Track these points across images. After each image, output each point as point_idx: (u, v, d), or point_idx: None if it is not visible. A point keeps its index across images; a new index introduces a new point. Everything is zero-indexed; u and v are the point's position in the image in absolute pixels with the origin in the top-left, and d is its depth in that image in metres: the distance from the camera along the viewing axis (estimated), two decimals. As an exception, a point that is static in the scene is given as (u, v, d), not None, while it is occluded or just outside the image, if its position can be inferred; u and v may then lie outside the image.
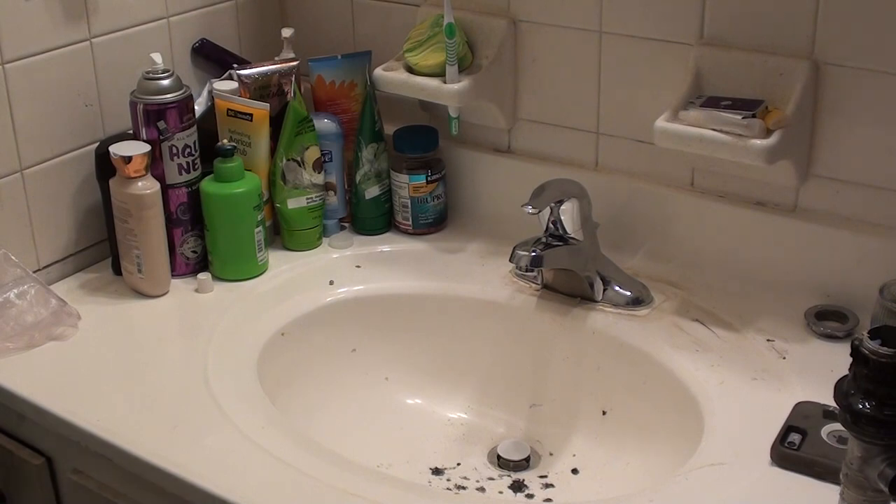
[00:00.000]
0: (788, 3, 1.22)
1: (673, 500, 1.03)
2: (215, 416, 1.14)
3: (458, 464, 1.27)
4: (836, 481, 0.93)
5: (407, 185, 1.47)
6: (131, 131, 1.37)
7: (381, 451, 1.27)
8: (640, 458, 1.22)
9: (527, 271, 1.35)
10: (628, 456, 1.23)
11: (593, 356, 1.29)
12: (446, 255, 1.46)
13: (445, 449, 1.30)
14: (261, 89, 1.46)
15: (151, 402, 1.17)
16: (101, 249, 1.44)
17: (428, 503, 1.06)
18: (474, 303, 1.37)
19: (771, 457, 1.04)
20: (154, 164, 1.34)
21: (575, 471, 1.25)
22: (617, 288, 1.32)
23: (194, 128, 1.37)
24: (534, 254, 1.24)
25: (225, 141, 1.40)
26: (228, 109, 1.41)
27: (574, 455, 1.27)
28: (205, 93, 1.49)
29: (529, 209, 1.23)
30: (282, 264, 1.43)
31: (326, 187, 1.47)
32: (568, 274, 1.32)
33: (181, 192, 1.37)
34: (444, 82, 1.37)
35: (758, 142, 1.18)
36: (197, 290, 1.37)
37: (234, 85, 1.43)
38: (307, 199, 1.45)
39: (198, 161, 1.38)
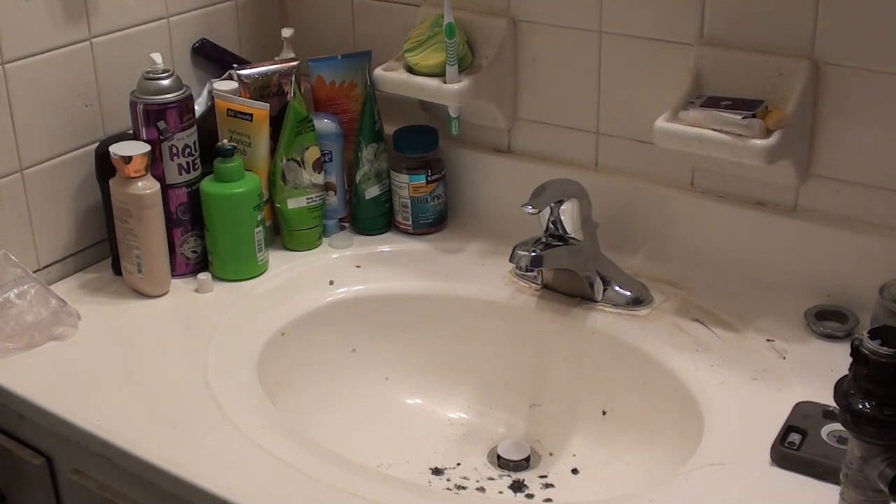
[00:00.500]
0: (788, 3, 1.22)
1: (673, 500, 1.03)
2: (215, 416, 1.14)
3: (458, 464, 1.27)
4: (836, 481, 0.93)
5: (407, 185, 1.47)
6: (131, 131, 1.37)
7: (381, 451, 1.27)
8: (640, 458, 1.22)
9: (527, 271, 1.35)
10: (628, 456, 1.23)
11: (593, 356, 1.29)
12: (446, 255, 1.46)
13: (445, 449, 1.30)
14: (261, 89, 1.46)
15: (151, 402, 1.17)
16: (101, 249, 1.44)
17: (428, 503, 1.06)
18: (474, 303, 1.37)
19: (771, 457, 1.04)
20: (154, 164, 1.34)
21: (575, 471, 1.25)
22: (617, 288, 1.32)
23: (194, 128, 1.37)
24: (534, 254, 1.24)
25: (225, 141, 1.40)
26: (228, 109, 1.41)
27: (574, 455, 1.27)
28: (205, 93, 1.49)
29: (529, 209, 1.23)
30: (282, 264, 1.43)
31: (326, 187, 1.47)
32: (568, 274, 1.32)
33: (181, 192, 1.37)
34: (444, 82, 1.37)
35: (758, 142, 1.18)
36: (197, 290, 1.37)
37: (234, 85, 1.43)
38: (307, 199, 1.45)
39: (198, 161, 1.38)
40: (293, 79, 1.47)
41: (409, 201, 1.48)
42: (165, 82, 1.34)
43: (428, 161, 1.48)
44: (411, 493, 1.07)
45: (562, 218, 1.27)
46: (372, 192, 1.48)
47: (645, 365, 1.24)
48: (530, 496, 1.21)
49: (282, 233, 1.47)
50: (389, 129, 1.50)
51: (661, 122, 1.23)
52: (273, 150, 1.44)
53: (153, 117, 1.34)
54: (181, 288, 1.38)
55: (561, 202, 1.27)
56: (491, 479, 1.25)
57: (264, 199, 1.41)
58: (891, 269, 1.20)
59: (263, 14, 1.61)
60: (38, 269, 1.38)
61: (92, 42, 1.38)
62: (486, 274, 1.40)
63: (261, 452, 1.08)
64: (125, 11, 1.41)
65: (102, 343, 1.28)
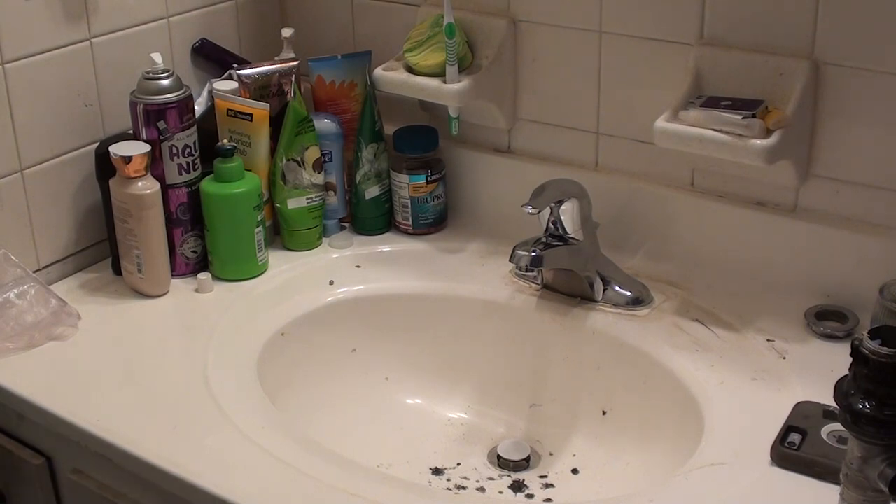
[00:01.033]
0: (788, 3, 1.22)
1: (673, 500, 1.03)
2: (215, 416, 1.14)
3: (458, 464, 1.27)
4: (836, 481, 0.93)
5: (407, 185, 1.47)
6: (131, 131, 1.37)
7: (381, 451, 1.27)
8: (640, 458, 1.22)
9: (527, 271, 1.35)
10: (628, 456, 1.23)
11: (593, 356, 1.29)
12: (446, 255, 1.46)
13: (445, 449, 1.30)
14: (261, 89, 1.46)
15: (151, 402, 1.17)
16: (101, 249, 1.44)
17: (428, 503, 1.06)
18: (474, 303, 1.37)
19: (771, 457, 1.04)
20: (154, 164, 1.34)
21: (575, 471, 1.25)
22: (617, 288, 1.32)
23: (194, 128, 1.37)
24: (534, 254, 1.24)
25: (225, 141, 1.40)
26: (228, 109, 1.41)
27: (574, 455, 1.27)
28: (205, 93, 1.49)
29: (529, 209, 1.23)
30: (282, 264, 1.43)
31: (326, 187, 1.47)
32: (568, 274, 1.32)
33: (181, 192, 1.37)
34: (444, 82, 1.37)
35: (758, 142, 1.18)
36: (197, 290, 1.37)
37: (234, 85, 1.43)
38: (307, 199, 1.45)
39: (198, 161, 1.38)
40: (293, 79, 1.47)
41: (409, 201, 1.48)
42: (165, 82, 1.34)
43: (428, 161, 1.48)
44: (411, 493, 1.07)
45: (562, 218, 1.27)
46: (372, 192, 1.48)
47: (645, 365, 1.24)
48: (530, 496, 1.21)
49: (282, 233, 1.47)
50: (389, 129, 1.50)
51: (661, 122, 1.23)
52: (273, 150, 1.44)
53: (153, 117, 1.34)
54: (181, 288, 1.38)
55: (561, 202, 1.27)
56: (491, 479, 1.25)
57: (264, 199, 1.41)
58: (891, 269, 1.20)
59: (263, 14, 1.61)
60: (38, 269, 1.38)
61: (92, 42, 1.38)
62: (486, 274, 1.40)
63: (261, 452, 1.08)
64: (125, 11, 1.41)
65: (102, 343, 1.28)
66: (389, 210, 1.51)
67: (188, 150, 1.36)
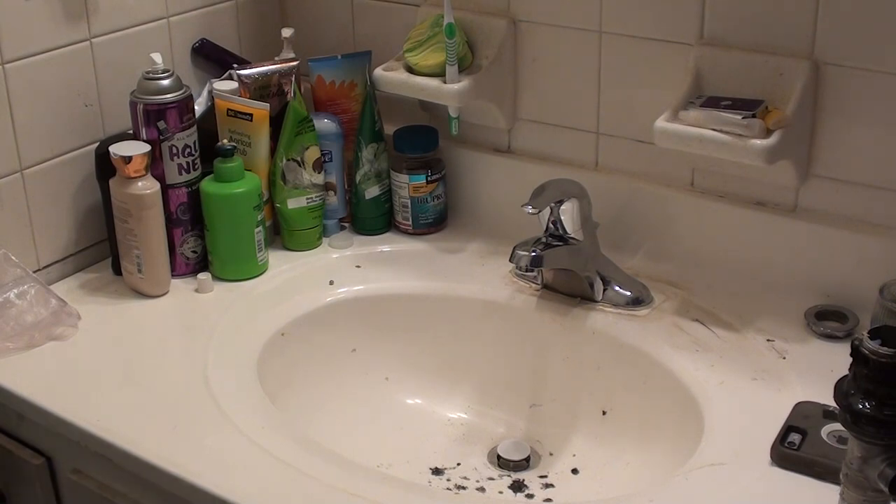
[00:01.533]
0: (788, 3, 1.22)
1: (673, 500, 1.03)
2: (215, 416, 1.14)
3: (458, 464, 1.27)
4: (836, 481, 0.93)
5: (407, 185, 1.47)
6: (131, 131, 1.37)
7: (381, 451, 1.27)
8: (640, 458, 1.22)
9: (527, 271, 1.35)
10: (628, 456, 1.23)
11: (593, 356, 1.29)
12: (446, 255, 1.46)
13: (445, 449, 1.30)
14: (261, 89, 1.46)
15: (151, 401, 1.17)
16: (101, 249, 1.44)
17: (428, 503, 1.06)
18: (474, 303, 1.37)
19: (771, 457, 1.04)
20: (154, 164, 1.34)
21: (575, 471, 1.25)
22: (617, 288, 1.32)
23: (194, 128, 1.37)
24: (534, 254, 1.24)
25: (225, 141, 1.40)
26: (228, 109, 1.41)
27: (574, 455, 1.27)
28: (205, 93, 1.49)
29: (529, 209, 1.23)
30: (282, 264, 1.43)
31: (326, 187, 1.47)
32: (568, 274, 1.32)
33: (181, 192, 1.37)
34: (444, 82, 1.37)
35: (758, 142, 1.18)
36: (197, 290, 1.37)
37: (234, 85, 1.43)
38: (307, 199, 1.45)
39: (198, 161, 1.38)
40: (293, 79, 1.47)
41: (409, 201, 1.48)
42: (165, 82, 1.34)
43: (428, 161, 1.48)
44: (411, 493, 1.07)
45: (562, 218, 1.27)
46: (372, 192, 1.48)
47: (645, 365, 1.24)
48: (530, 496, 1.21)
49: (282, 233, 1.47)
50: (389, 129, 1.50)
51: (661, 122, 1.23)
52: (273, 150, 1.44)
53: (153, 117, 1.34)
54: (181, 288, 1.38)
55: (561, 202, 1.27)
56: (491, 479, 1.25)
57: (264, 199, 1.41)
58: (891, 269, 1.20)
59: (263, 14, 1.61)
60: (38, 269, 1.38)
61: (92, 42, 1.38)
62: (486, 274, 1.40)
63: (261, 452, 1.08)
64: (125, 11, 1.41)
65: (102, 343, 1.28)
66: (389, 210, 1.51)
67: (188, 150, 1.36)
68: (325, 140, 1.46)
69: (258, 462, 1.07)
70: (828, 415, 1.06)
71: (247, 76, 1.45)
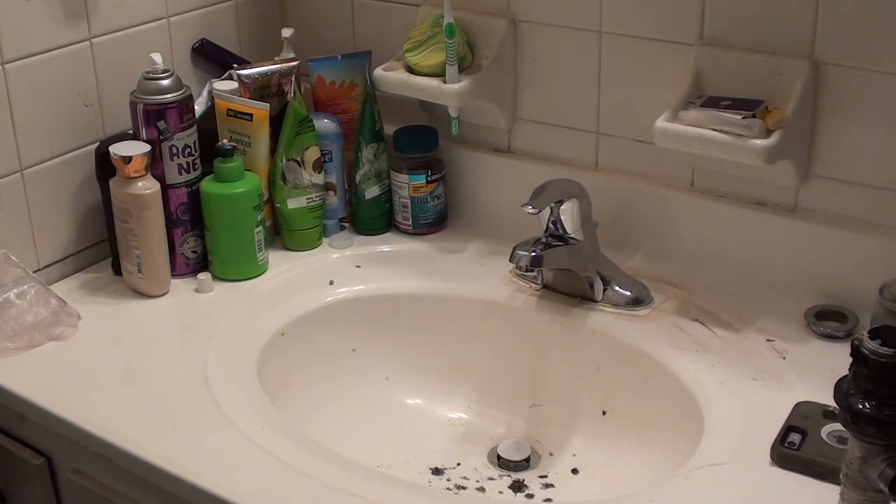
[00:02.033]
0: (788, 3, 1.22)
1: (673, 500, 1.03)
2: (215, 416, 1.14)
3: (458, 464, 1.27)
4: (836, 481, 0.93)
5: (407, 185, 1.47)
6: (131, 131, 1.37)
7: (381, 451, 1.27)
8: (640, 458, 1.22)
9: (527, 271, 1.35)
10: (628, 456, 1.23)
11: (593, 356, 1.29)
12: (446, 255, 1.46)
13: (445, 449, 1.30)
14: (261, 89, 1.46)
15: (151, 401, 1.17)
16: (101, 249, 1.44)
17: (428, 503, 1.06)
18: (474, 303, 1.37)
19: (771, 457, 1.04)
20: (154, 164, 1.34)
21: (575, 471, 1.25)
22: (617, 288, 1.32)
23: (194, 128, 1.37)
24: (534, 254, 1.24)
25: (225, 141, 1.40)
26: (228, 109, 1.41)
27: (574, 455, 1.27)
28: (205, 93, 1.49)
29: (529, 209, 1.23)
30: (282, 264, 1.43)
31: (326, 187, 1.47)
32: (568, 274, 1.32)
33: (181, 192, 1.37)
34: (444, 82, 1.37)
35: (758, 142, 1.18)
36: (197, 290, 1.37)
37: (234, 85, 1.43)
38: (307, 199, 1.45)
39: (198, 161, 1.38)
40: (293, 79, 1.47)
41: (409, 201, 1.48)
42: (165, 82, 1.34)
43: (428, 161, 1.48)
44: (411, 493, 1.07)
45: (562, 218, 1.27)
46: (372, 192, 1.48)
47: (645, 365, 1.24)
48: (530, 496, 1.21)
49: (282, 233, 1.47)
50: (389, 129, 1.50)
51: (661, 122, 1.23)
52: (273, 150, 1.44)
53: (153, 117, 1.34)
54: (181, 288, 1.38)
55: (561, 202, 1.27)
56: (491, 479, 1.25)
57: (264, 199, 1.41)
58: (891, 269, 1.20)
59: (263, 14, 1.61)
60: (38, 269, 1.38)
61: (92, 42, 1.38)
62: (486, 274, 1.40)
63: (261, 452, 1.08)
64: (125, 11, 1.41)
65: (102, 343, 1.28)
66: (389, 210, 1.51)
67: (188, 150, 1.36)
68: (325, 140, 1.46)
69: (258, 462, 1.07)
70: (828, 415, 1.06)
71: (247, 76, 1.45)
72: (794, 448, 1.04)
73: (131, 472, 1.11)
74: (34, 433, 1.24)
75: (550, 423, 1.31)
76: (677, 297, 1.32)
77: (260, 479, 1.05)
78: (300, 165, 1.44)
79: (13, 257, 1.31)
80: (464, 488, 1.23)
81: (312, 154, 1.44)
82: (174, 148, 1.35)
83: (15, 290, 1.28)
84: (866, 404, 0.86)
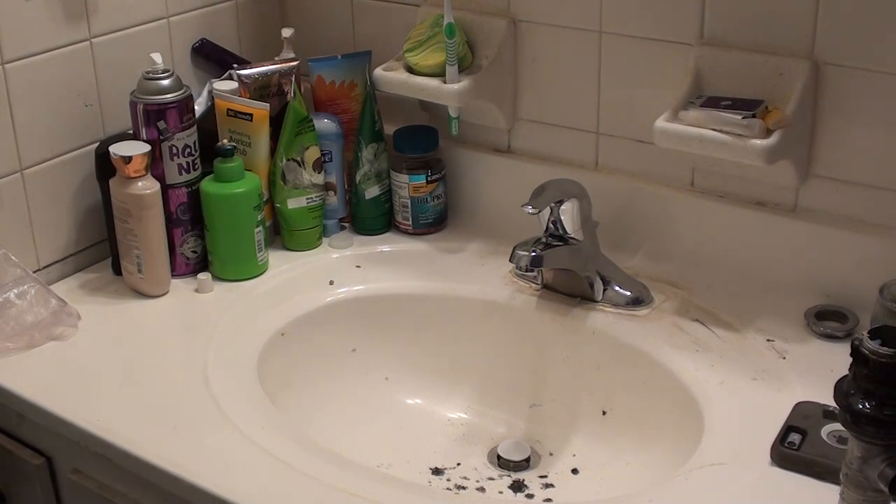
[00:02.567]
0: (788, 3, 1.22)
1: (673, 500, 1.03)
2: (215, 416, 1.14)
3: (458, 464, 1.27)
4: (836, 481, 0.93)
5: (407, 185, 1.47)
6: (131, 131, 1.37)
7: (381, 451, 1.27)
8: (640, 458, 1.22)
9: (527, 271, 1.35)
10: (628, 456, 1.23)
11: (593, 356, 1.29)
12: (446, 255, 1.46)
13: (445, 449, 1.30)
14: (261, 89, 1.46)
15: (151, 401, 1.17)
16: (101, 249, 1.44)
17: (428, 503, 1.06)
18: (474, 303, 1.37)
19: (771, 457, 1.04)
20: (154, 164, 1.34)
21: (575, 471, 1.25)
22: (617, 288, 1.32)
23: (194, 128, 1.37)
24: (534, 254, 1.24)
25: (225, 141, 1.40)
26: (228, 109, 1.41)
27: (574, 455, 1.27)
28: (205, 93, 1.49)
29: (529, 209, 1.23)
30: (282, 264, 1.43)
31: (326, 187, 1.47)
32: (568, 274, 1.32)
33: (181, 192, 1.37)
34: (444, 82, 1.37)
35: (758, 142, 1.18)
36: (197, 290, 1.38)
37: (234, 85, 1.43)
38: (307, 199, 1.45)
39: (198, 161, 1.38)
40: (293, 79, 1.47)
41: (409, 201, 1.48)
42: (165, 82, 1.34)
43: (428, 161, 1.48)
44: (411, 493, 1.07)
45: (562, 218, 1.27)
46: (372, 192, 1.48)
47: (645, 365, 1.24)
48: (530, 496, 1.21)
49: (282, 233, 1.47)
50: (389, 129, 1.50)
51: (661, 122, 1.23)
52: (273, 150, 1.44)
53: (153, 117, 1.34)
54: (181, 288, 1.38)
55: (561, 202, 1.27)
56: (491, 479, 1.25)
57: (264, 199, 1.41)
58: (891, 269, 1.20)
59: (263, 14, 1.61)
60: (38, 269, 1.38)
61: (92, 42, 1.38)
62: (486, 274, 1.40)
63: (261, 452, 1.08)
64: (125, 11, 1.41)
65: (102, 343, 1.28)
66: (389, 210, 1.51)
67: (188, 150, 1.36)
68: (325, 140, 1.46)
69: (258, 462, 1.07)
70: (828, 415, 1.06)
71: (247, 76, 1.45)
72: (794, 448, 1.04)
73: (131, 472, 1.11)
74: (34, 433, 1.24)
75: (550, 423, 1.31)
76: (677, 297, 1.32)
77: (260, 479, 1.05)
78: (300, 165, 1.44)
79: (13, 257, 1.31)
80: (464, 488, 1.23)
81: (312, 154, 1.44)
82: (174, 148, 1.35)
83: (15, 290, 1.28)
84: (866, 404, 0.86)
